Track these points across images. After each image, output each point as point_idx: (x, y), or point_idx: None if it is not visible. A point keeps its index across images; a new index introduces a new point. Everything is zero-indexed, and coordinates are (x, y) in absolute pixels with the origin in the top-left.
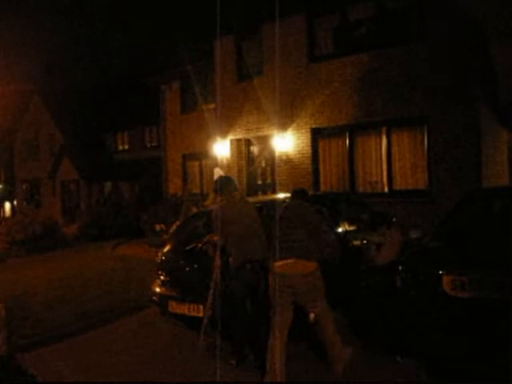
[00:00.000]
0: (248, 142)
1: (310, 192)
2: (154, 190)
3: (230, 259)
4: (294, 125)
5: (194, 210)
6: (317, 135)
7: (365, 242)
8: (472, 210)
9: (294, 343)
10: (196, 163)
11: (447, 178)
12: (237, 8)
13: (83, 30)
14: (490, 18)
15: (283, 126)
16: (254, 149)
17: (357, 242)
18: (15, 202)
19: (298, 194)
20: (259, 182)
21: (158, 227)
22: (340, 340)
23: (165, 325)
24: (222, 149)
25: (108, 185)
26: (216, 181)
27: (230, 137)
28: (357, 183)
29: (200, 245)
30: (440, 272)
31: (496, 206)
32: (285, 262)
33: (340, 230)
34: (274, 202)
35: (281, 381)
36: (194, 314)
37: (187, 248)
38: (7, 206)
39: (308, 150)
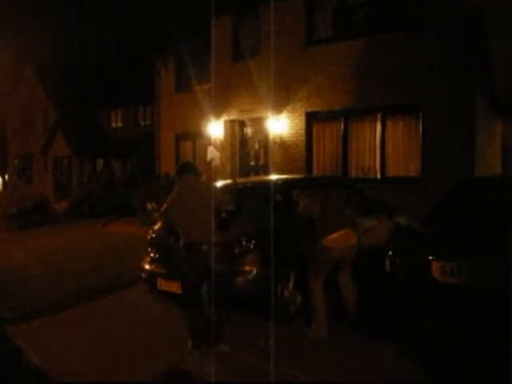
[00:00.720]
0: (242, 123)
1: (303, 174)
2: (146, 168)
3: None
4: (289, 108)
5: None
6: (311, 119)
7: None
8: (463, 199)
9: None
10: (189, 143)
11: (440, 166)
12: None
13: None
14: (488, 6)
15: (278, 109)
16: (248, 130)
17: None
18: (7, 177)
19: None
20: (252, 164)
21: (149, 206)
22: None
23: (153, 303)
24: (215, 129)
25: (100, 162)
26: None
27: (224, 117)
28: (349, 168)
29: None
30: (430, 258)
31: (487, 194)
32: (336, 234)
33: None
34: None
35: (324, 336)
36: (181, 291)
37: None
38: None
39: (302, 133)
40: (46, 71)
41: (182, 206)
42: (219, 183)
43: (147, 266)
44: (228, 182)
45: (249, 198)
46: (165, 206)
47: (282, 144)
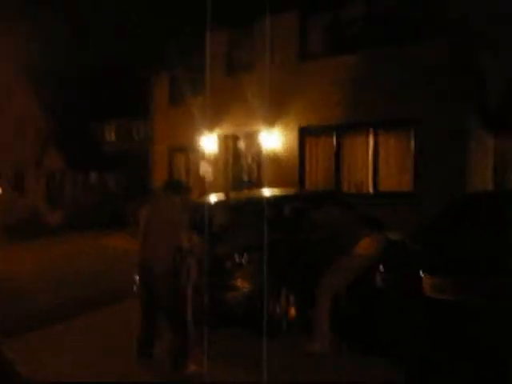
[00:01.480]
0: (235, 138)
1: (296, 189)
2: (139, 181)
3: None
4: (282, 122)
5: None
6: (304, 133)
7: None
8: (456, 215)
9: None
10: (183, 156)
11: (432, 181)
12: (230, 1)
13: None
14: (482, 23)
15: (271, 123)
16: (241, 144)
17: None
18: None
19: None
20: (245, 178)
21: None
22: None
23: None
24: (209, 143)
25: (94, 175)
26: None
27: (218, 131)
28: (342, 183)
29: None
30: (421, 274)
31: (480, 211)
32: (364, 242)
33: None
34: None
35: (326, 351)
36: None
37: None
38: None
39: (295, 147)
40: (40, 84)
41: (145, 226)
42: (212, 198)
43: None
44: (221, 196)
45: (242, 212)
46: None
47: (275, 158)
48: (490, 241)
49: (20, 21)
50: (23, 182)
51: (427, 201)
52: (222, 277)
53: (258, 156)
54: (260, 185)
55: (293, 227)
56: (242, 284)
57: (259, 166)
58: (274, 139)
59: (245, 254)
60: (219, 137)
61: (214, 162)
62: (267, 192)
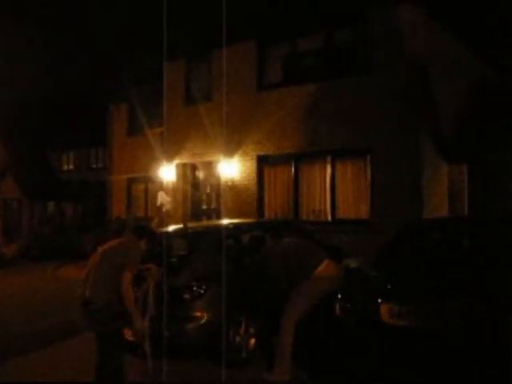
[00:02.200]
0: (194, 167)
1: (254, 218)
2: (97, 211)
3: None
4: (241, 151)
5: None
6: (262, 162)
7: None
8: (409, 241)
9: None
10: (141, 186)
11: (389, 209)
12: (188, 31)
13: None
14: (433, 52)
15: (229, 152)
16: (200, 174)
17: None
18: None
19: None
20: (204, 207)
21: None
22: None
23: None
24: (167, 173)
25: (51, 204)
26: None
27: (176, 161)
28: (300, 211)
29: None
30: (378, 301)
31: (432, 236)
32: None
33: None
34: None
35: (288, 379)
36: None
37: None
38: None
39: (253, 176)
40: None
41: (90, 264)
42: (170, 228)
43: None
44: (179, 226)
45: (200, 242)
46: None
47: (234, 187)
48: (443, 265)
49: None
50: None
51: (384, 228)
52: (180, 307)
53: (216, 185)
54: (219, 213)
55: (251, 256)
56: (202, 314)
57: (218, 194)
58: (232, 168)
59: (203, 284)
60: (178, 166)
61: (173, 191)
62: (226, 221)
